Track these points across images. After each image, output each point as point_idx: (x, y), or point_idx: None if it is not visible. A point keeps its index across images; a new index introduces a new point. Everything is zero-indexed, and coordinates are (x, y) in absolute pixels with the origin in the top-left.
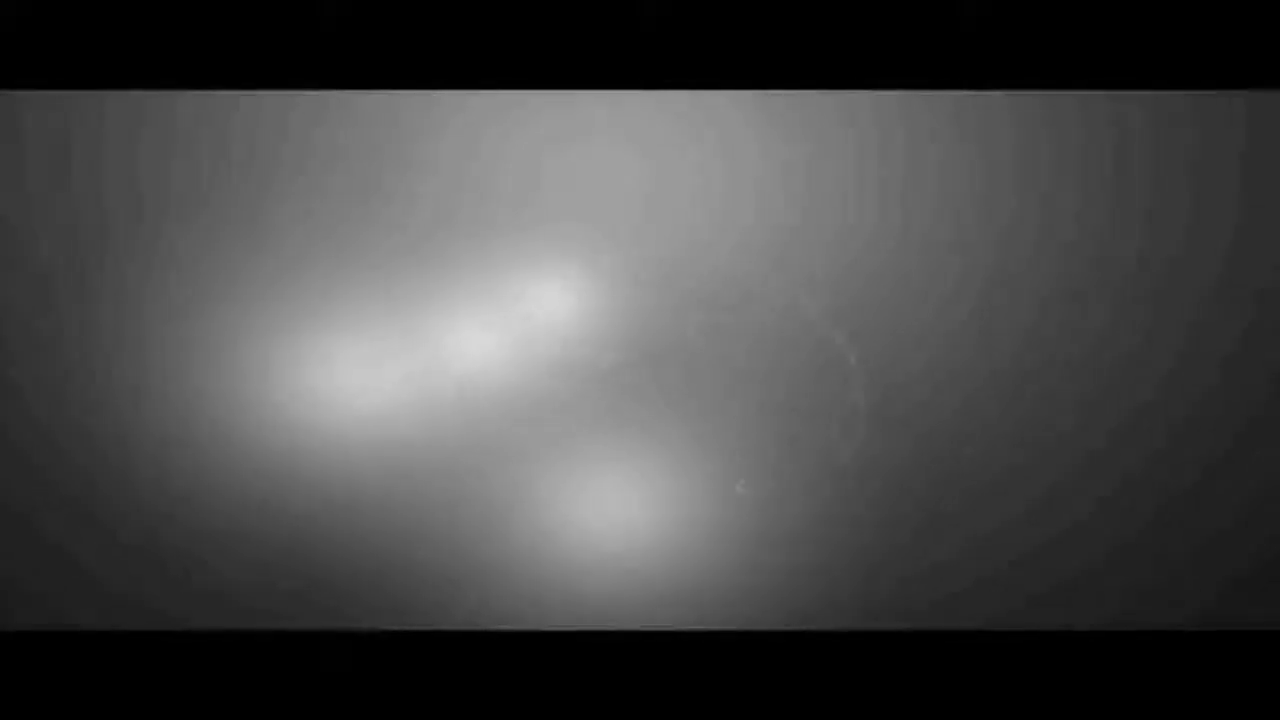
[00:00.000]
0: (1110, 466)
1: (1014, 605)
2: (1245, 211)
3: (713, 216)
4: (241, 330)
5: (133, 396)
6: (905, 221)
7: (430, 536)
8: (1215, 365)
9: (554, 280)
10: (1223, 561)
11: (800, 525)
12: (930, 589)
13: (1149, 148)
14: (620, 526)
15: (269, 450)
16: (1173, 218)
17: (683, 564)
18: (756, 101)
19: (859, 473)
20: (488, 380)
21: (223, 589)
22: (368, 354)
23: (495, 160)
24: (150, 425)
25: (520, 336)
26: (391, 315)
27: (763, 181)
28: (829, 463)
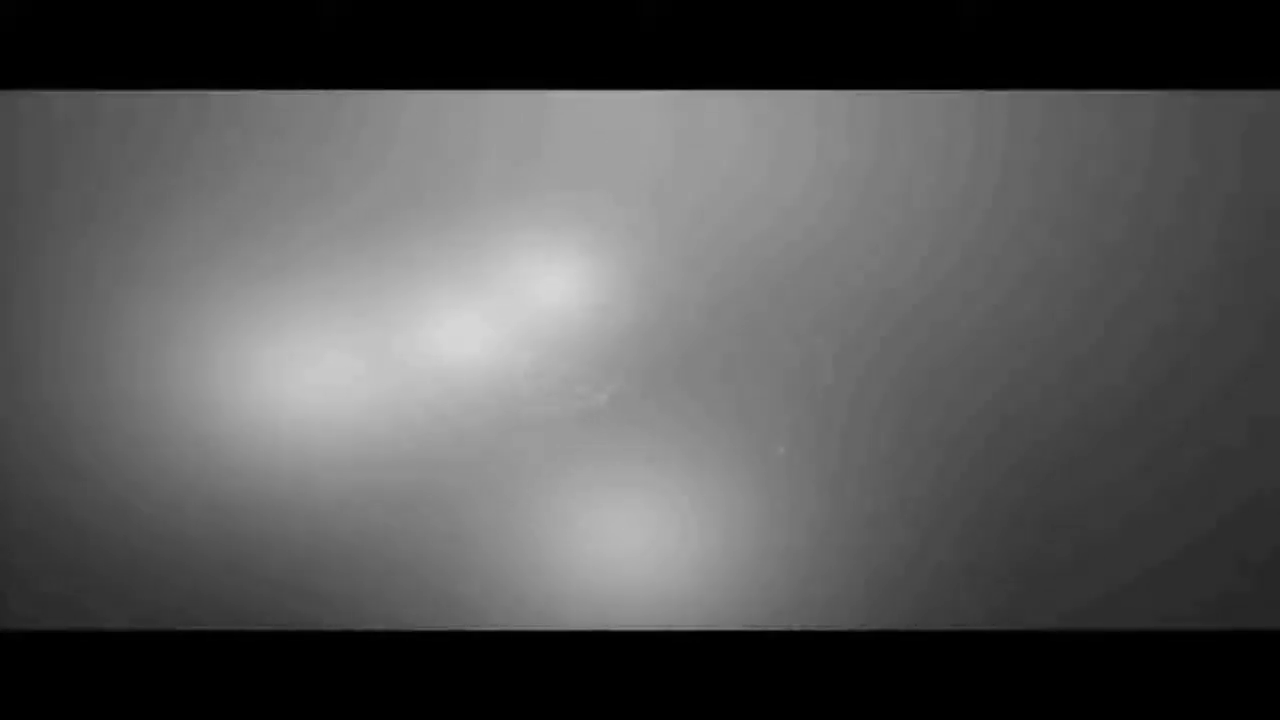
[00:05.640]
0: (1117, 464)
1: (1034, 606)
2: (1249, 214)
3: (722, 214)
4: (204, 328)
5: (103, 403)
6: (906, 221)
7: (431, 537)
8: (1219, 364)
9: (558, 266)
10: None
11: (818, 525)
12: (969, 590)
13: (1157, 146)
14: (626, 527)
15: (245, 451)
16: (1177, 217)
17: (690, 565)
18: (807, 101)
19: (886, 474)
20: (477, 378)
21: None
22: (338, 347)
23: (478, 133)
24: (119, 431)
25: (519, 327)
26: (358, 304)
27: (813, 181)
28: (853, 463)
